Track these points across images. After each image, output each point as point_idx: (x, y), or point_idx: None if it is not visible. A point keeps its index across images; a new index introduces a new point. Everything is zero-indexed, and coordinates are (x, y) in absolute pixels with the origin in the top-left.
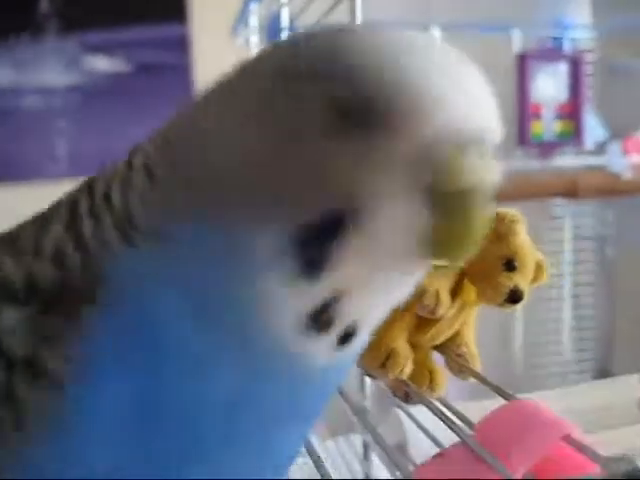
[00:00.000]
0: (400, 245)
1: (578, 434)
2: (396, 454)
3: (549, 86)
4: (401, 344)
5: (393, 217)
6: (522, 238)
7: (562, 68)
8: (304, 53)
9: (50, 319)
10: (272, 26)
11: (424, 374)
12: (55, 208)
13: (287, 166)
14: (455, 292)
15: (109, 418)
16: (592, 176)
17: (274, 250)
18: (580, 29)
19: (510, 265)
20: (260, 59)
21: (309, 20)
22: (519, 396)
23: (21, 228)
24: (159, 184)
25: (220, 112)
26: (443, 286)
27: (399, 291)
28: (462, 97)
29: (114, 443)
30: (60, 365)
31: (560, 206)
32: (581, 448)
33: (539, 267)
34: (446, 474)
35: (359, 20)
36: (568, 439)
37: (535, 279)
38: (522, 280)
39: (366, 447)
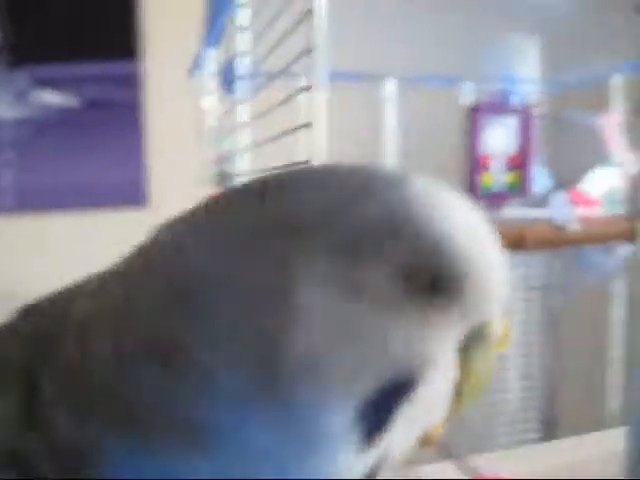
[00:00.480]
0: (441, 403)
1: None
2: None
3: (498, 138)
4: None
5: (440, 379)
6: None
7: (511, 121)
8: (397, 217)
9: None
10: (227, 71)
11: None
12: None
13: (367, 330)
14: None
15: None
16: (539, 228)
17: (344, 427)
18: (529, 83)
19: None
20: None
21: (267, 67)
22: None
23: None
24: (184, 367)
25: (293, 266)
26: None
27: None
28: (503, 277)
29: None
30: None
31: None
32: None
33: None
34: None
35: (319, 70)
36: None
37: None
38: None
39: None
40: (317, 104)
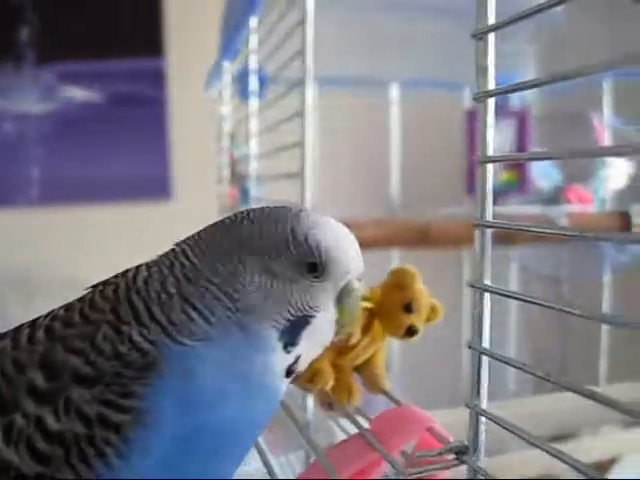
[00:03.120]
0: (327, 330)
1: (437, 426)
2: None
3: (496, 139)
4: (325, 365)
5: (325, 317)
6: (418, 287)
7: (508, 123)
8: (291, 235)
9: (111, 393)
10: (243, 81)
11: (345, 390)
12: (96, 311)
13: (280, 293)
14: (367, 328)
15: (159, 453)
16: (530, 222)
17: (274, 339)
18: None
19: (408, 307)
20: (266, 233)
21: (274, 68)
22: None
23: (63, 329)
24: (200, 311)
25: (242, 264)
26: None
27: (321, 349)
28: (357, 260)
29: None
30: (120, 419)
31: (512, 250)
32: (434, 434)
33: (433, 309)
34: (346, 451)
35: (311, 73)
36: (430, 429)
37: (430, 319)
38: (417, 319)
39: (307, 453)
40: (308, 99)
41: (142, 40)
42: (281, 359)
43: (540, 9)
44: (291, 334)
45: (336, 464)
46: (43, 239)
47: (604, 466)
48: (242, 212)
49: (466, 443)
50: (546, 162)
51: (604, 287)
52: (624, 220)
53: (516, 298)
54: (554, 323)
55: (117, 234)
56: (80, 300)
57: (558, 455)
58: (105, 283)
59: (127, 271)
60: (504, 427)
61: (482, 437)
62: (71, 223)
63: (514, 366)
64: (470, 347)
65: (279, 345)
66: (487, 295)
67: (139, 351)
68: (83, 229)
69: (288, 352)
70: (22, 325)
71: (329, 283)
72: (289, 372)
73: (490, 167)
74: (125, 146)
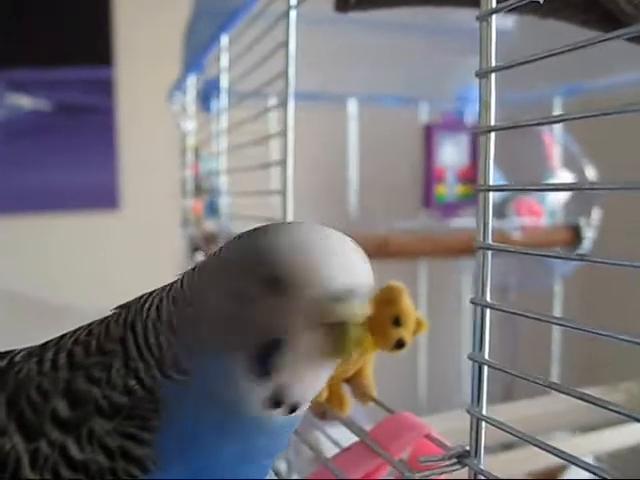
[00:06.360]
0: (311, 355)
1: (434, 433)
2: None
3: (452, 153)
4: None
5: (304, 340)
6: (406, 302)
7: (464, 137)
8: (256, 251)
9: (130, 427)
10: (206, 92)
11: (336, 400)
12: (109, 340)
13: (243, 317)
14: None
15: None
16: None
17: (243, 369)
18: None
19: (397, 321)
20: (228, 257)
21: (243, 87)
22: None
23: (84, 357)
24: (181, 341)
25: (209, 293)
26: None
27: (320, 379)
28: (340, 272)
29: None
30: (142, 453)
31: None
32: (433, 440)
33: (419, 323)
34: (350, 458)
35: (291, 92)
36: (428, 436)
37: (416, 331)
38: (406, 332)
39: (289, 464)
40: (289, 117)
41: (91, 48)
42: (255, 390)
43: (543, 57)
44: (262, 362)
45: (342, 470)
46: None
47: (554, 472)
48: (236, 235)
49: (467, 447)
50: (496, 175)
51: (554, 295)
52: (575, 233)
53: (514, 313)
54: (504, 330)
55: (64, 243)
56: (100, 323)
57: (560, 455)
58: (123, 307)
59: (142, 296)
60: (505, 430)
61: (482, 441)
62: (18, 232)
63: (512, 374)
64: (470, 358)
65: (249, 375)
66: (487, 310)
67: (144, 387)
68: (30, 238)
69: (263, 382)
70: (49, 342)
71: (296, 300)
72: (277, 403)
73: (490, 195)
74: (73, 155)
